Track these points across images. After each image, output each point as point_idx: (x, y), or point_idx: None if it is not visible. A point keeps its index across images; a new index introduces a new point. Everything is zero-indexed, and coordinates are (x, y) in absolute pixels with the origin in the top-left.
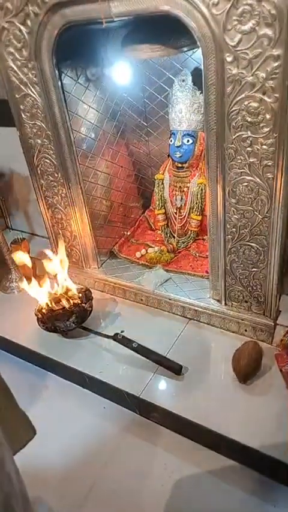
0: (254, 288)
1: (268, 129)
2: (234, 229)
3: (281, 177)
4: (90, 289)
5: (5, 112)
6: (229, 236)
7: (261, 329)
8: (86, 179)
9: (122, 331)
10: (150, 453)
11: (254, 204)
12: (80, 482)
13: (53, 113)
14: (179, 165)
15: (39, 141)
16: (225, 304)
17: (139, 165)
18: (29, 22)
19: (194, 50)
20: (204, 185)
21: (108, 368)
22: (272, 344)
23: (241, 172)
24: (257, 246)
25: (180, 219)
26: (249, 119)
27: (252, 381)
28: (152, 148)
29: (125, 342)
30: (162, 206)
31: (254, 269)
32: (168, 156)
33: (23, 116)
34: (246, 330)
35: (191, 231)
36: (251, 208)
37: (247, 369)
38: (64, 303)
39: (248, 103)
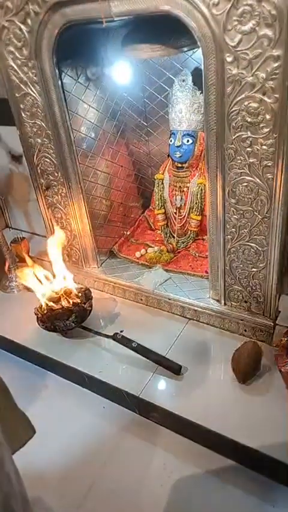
0: (254, 288)
1: (268, 129)
2: (233, 230)
3: (281, 178)
4: (90, 289)
5: (5, 111)
6: (229, 236)
7: (260, 329)
8: (86, 178)
9: (121, 331)
10: (150, 453)
11: (254, 204)
12: (79, 482)
13: (53, 112)
14: (179, 165)
15: (39, 140)
16: (225, 304)
17: (139, 164)
18: (29, 21)
19: (194, 50)
20: (204, 185)
21: (108, 368)
22: (271, 344)
23: (241, 172)
24: (257, 246)
25: (180, 219)
26: (249, 119)
27: (252, 381)
28: (152, 148)
29: (125, 341)
30: (162, 206)
31: (253, 269)
32: (168, 156)
33: (23, 115)
34: (245, 330)
35: (191, 231)
36: (250, 208)
37: (246, 369)
38: (64, 302)
39: (248, 103)
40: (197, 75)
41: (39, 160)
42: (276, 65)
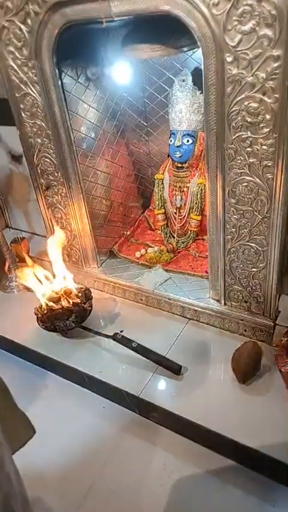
0: (254, 288)
1: (268, 129)
2: (233, 230)
3: (281, 178)
4: (90, 289)
5: (5, 111)
6: (229, 236)
7: (260, 329)
8: (86, 178)
9: (121, 331)
10: (150, 453)
11: (254, 204)
12: (79, 482)
13: (53, 112)
14: (179, 165)
15: (39, 140)
16: (225, 304)
17: (139, 164)
18: (29, 21)
19: (194, 50)
20: (204, 185)
21: (108, 368)
22: (271, 344)
23: (241, 172)
24: (257, 246)
25: (180, 219)
26: (249, 119)
27: (252, 381)
28: (151, 148)
29: (125, 341)
30: (162, 206)
31: (253, 269)
32: (168, 156)
33: (23, 115)
34: (245, 330)
35: (191, 231)
36: (250, 208)
37: (246, 369)
38: (64, 302)
39: (248, 103)
40: (197, 75)
41: (39, 160)
42: (276, 65)
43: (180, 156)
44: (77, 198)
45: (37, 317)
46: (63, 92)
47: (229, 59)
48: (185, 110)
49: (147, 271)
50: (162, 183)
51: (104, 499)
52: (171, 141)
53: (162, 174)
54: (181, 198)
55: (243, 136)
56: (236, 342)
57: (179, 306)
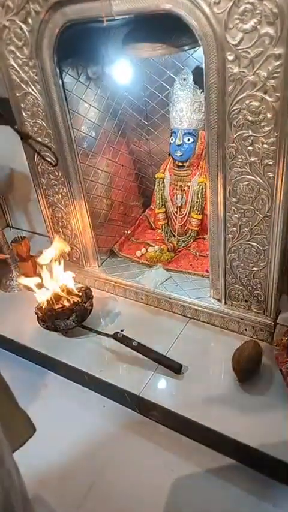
0: (254, 287)
1: (269, 128)
2: (234, 228)
3: (282, 176)
4: (91, 288)
5: (5, 110)
6: (229, 235)
7: (261, 328)
8: (87, 178)
9: (122, 330)
10: (150, 452)
11: (255, 203)
12: (79, 481)
13: (54, 111)
14: (180, 164)
15: (39, 140)
16: (225, 303)
17: (140, 163)
18: (30, 20)
19: (195, 49)
20: (205, 184)
21: (108, 367)
22: (272, 343)
23: (242, 171)
24: (258, 245)
25: (181, 218)
26: (250, 118)
27: (252, 380)
28: (152, 147)
29: (125, 340)
30: (162, 205)
31: (254, 268)
32: (169, 155)
33: (24, 114)
34: (246, 329)
35: (192, 230)
36: (251, 207)
37: (247, 368)
38: (64, 301)
39: (249, 102)
40: (198, 73)
41: (40, 159)
42: (277, 63)
43: (181, 155)
44: (77, 197)
45: (38, 316)
46: (64, 91)
47: (230, 58)
48: (186, 108)
49: (147, 271)
50: (163, 182)
51: (104, 498)
52: (172, 140)
53: (163, 173)
54: (182, 197)
55: (244, 135)
56: (237, 341)
57: (179, 305)
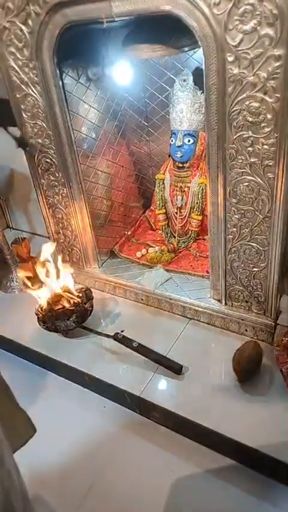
0: (255, 287)
1: (269, 129)
2: (234, 229)
3: (282, 177)
4: (91, 289)
5: (5, 111)
6: (230, 236)
7: (261, 329)
8: (87, 179)
9: (122, 331)
10: (150, 452)
11: (255, 203)
12: (79, 482)
13: (54, 112)
14: (180, 165)
15: (40, 141)
16: (226, 304)
17: (140, 164)
18: (30, 22)
19: (195, 50)
20: (205, 185)
21: (109, 367)
22: (272, 344)
23: (242, 172)
24: (258, 246)
25: (181, 218)
26: (250, 119)
27: (252, 381)
28: (152, 148)
29: (126, 341)
30: (162, 206)
31: (254, 269)
32: (169, 156)
33: (24, 115)
34: (246, 330)
35: (192, 230)
36: (251, 208)
37: (247, 368)
38: (64, 302)
39: (249, 103)
40: (198, 75)
41: (40, 160)
42: (277, 64)
43: (181, 156)
44: (78, 198)
45: (38, 317)
46: (64, 93)
47: (230, 59)
48: (186, 109)
49: (148, 271)
50: (163, 183)
51: (104, 499)
52: (172, 141)
53: (163, 174)
54: (182, 198)
55: (244, 135)
56: (237, 341)
57: (179, 305)
